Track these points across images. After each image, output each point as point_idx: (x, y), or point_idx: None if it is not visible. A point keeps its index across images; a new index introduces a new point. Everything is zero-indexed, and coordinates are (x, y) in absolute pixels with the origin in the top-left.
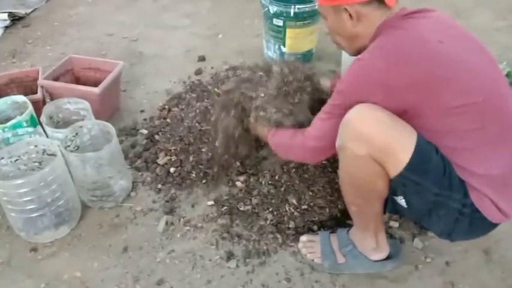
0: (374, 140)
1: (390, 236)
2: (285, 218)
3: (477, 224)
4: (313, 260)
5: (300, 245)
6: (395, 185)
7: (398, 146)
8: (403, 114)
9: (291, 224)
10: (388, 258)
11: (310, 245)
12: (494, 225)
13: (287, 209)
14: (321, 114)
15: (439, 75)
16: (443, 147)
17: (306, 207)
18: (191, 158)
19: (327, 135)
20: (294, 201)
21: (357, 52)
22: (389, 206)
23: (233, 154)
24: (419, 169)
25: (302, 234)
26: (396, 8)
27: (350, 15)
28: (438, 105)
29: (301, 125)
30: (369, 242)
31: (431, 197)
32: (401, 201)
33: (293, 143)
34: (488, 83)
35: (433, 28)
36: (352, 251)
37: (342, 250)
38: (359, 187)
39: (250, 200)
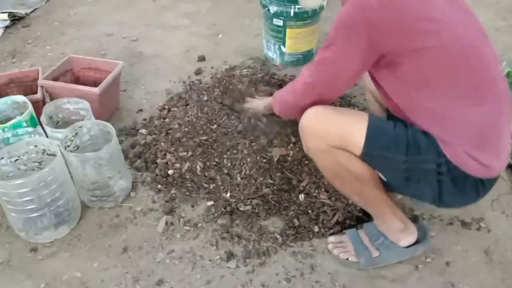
0: (328, 133)
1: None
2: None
3: (461, 182)
4: (347, 259)
5: (330, 246)
6: (367, 162)
7: (351, 129)
8: (381, 60)
9: (296, 223)
10: (416, 242)
11: (341, 245)
12: (482, 183)
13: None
14: (316, 56)
15: (423, 27)
16: (419, 101)
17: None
18: (190, 159)
19: (318, 74)
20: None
21: None
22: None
23: None
24: (378, 143)
25: (302, 234)
26: None
27: None
28: (416, 55)
29: None
30: (394, 225)
31: (401, 165)
32: (380, 175)
33: (294, 83)
34: (468, 43)
35: None
36: (384, 242)
37: (375, 244)
38: (341, 176)
39: (251, 200)
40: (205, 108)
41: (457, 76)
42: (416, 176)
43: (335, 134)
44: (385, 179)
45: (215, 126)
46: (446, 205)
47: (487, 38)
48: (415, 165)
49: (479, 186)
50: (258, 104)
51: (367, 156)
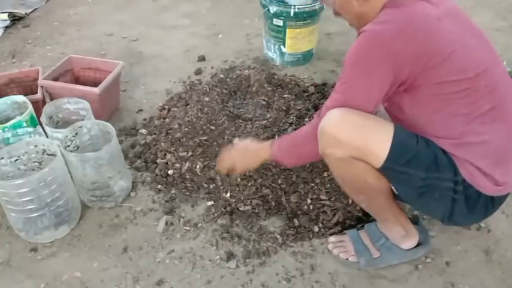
0: (350, 142)
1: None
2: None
3: (473, 201)
4: (347, 259)
5: (330, 246)
6: (384, 175)
7: (374, 142)
8: (401, 85)
9: (296, 223)
10: (418, 245)
11: (341, 245)
12: (492, 202)
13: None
14: (332, 94)
15: (438, 49)
16: (437, 122)
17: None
18: (190, 159)
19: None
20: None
21: None
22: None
23: None
24: (399, 160)
25: (302, 234)
26: None
27: None
28: (434, 78)
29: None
30: (396, 230)
31: (418, 182)
32: (392, 187)
33: (305, 129)
34: (482, 62)
35: (435, 9)
36: (386, 243)
37: (376, 244)
38: (353, 185)
39: (251, 200)
40: (205, 109)
41: (475, 92)
42: (431, 193)
43: (357, 144)
44: (396, 192)
45: (215, 127)
46: (454, 223)
47: (498, 58)
48: (432, 183)
49: (489, 205)
50: (249, 159)
51: (386, 169)
